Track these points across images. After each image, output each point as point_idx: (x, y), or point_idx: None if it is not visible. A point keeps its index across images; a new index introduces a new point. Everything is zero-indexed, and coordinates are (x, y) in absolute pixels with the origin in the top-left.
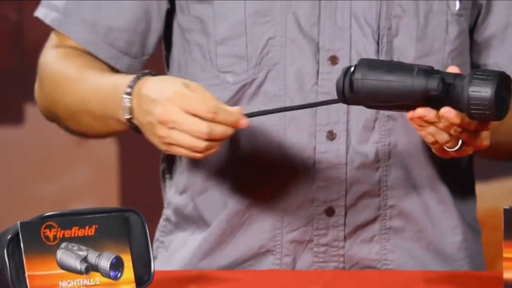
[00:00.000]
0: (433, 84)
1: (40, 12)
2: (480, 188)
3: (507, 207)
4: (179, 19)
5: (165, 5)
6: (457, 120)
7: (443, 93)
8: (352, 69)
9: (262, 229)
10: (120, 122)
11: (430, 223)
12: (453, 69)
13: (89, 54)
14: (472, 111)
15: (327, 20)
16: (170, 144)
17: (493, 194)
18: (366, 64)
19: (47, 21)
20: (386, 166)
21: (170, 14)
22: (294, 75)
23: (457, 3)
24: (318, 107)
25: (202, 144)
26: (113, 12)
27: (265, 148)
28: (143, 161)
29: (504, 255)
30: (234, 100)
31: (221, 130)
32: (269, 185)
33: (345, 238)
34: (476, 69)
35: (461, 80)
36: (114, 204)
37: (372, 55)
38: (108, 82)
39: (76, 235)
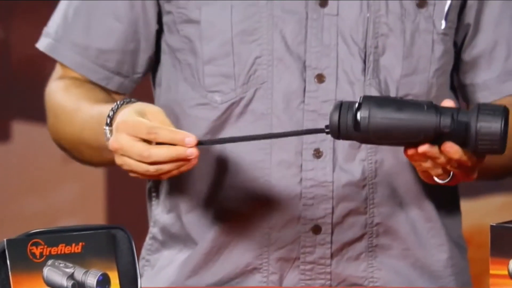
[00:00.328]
0: (447, 121)
1: (39, 42)
2: (466, 205)
3: (494, 224)
4: (168, 39)
5: (153, 26)
6: (456, 156)
7: (454, 131)
8: (355, 106)
9: (249, 247)
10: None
11: (416, 240)
12: (449, 103)
13: (89, 82)
14: (480, 146)
15: (313, 38)
16: (129, 171)
17: (479, 211)
18: (372, 102)
19: (42, 48)
20: (373, 184)
21: (158, 34)
22: (281, 93)
23: (443, 22)
24: (304, 124)
25: (149, 168)
26: (102, 34)
27: (251, 166)
28: (129, 178)
29: (491, 271)
30: (221, 119)
31: (162, 152)
32: (255, 203)
33: (331, 256)
34: (480, 104)
35: (465, 115)
36: (101, 221)
37: (358, 74)
38: (97, 113)
39: (62, 252)
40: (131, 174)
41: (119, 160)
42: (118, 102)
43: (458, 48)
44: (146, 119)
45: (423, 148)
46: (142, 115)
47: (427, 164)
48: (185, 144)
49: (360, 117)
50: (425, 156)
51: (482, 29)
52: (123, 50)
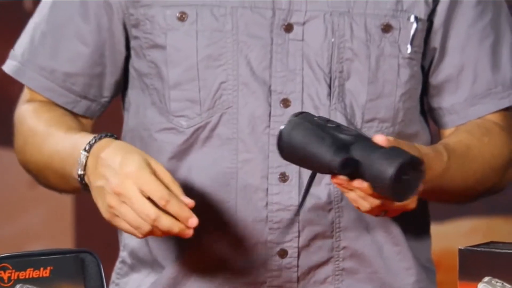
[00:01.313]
0: (336, 161)
1: (5, 65)
2: (435, 229)
3: (462, 248)
4: (136, 64)
5: (121, 50)
6: (368, 192)
7: (348, 170)
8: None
9: (215, 271)
10: (76, 179)
11: (383, 264)
12: (378, 138)
13: (57, 106)
14: (375, 189)
15: (279, 63)
16: (116, 215)
17: (448, 235)
18: (295, 121)
19: (8, 71)
20: (339, 208)
21: (126, 59)
22: (247, 118)
23: (409, 46)
24: (270, 148)
25: (147, 227)
26: (69, 57)
27: (217, 190)
28: None
29: None
30: (188, 144)
31: (167, 222)
32: (221, 227)
33: (298, 280)
34: (389, 147)
35: (371, 155)
36: (69, 246)
37: (324, 98)
38: (70, 141)
39: (31, 276)
40: (109, 218)
41: (114, 203)
42: (102, 134)
43: (426, 72)
44: (152, 171)
45: (336, 180)
46: (148, 165)
47: (352, 195)
48: (188, 225)
49: (283, 131)
50: (342, 186)
51: (449, 53)
52: (90, 73)
